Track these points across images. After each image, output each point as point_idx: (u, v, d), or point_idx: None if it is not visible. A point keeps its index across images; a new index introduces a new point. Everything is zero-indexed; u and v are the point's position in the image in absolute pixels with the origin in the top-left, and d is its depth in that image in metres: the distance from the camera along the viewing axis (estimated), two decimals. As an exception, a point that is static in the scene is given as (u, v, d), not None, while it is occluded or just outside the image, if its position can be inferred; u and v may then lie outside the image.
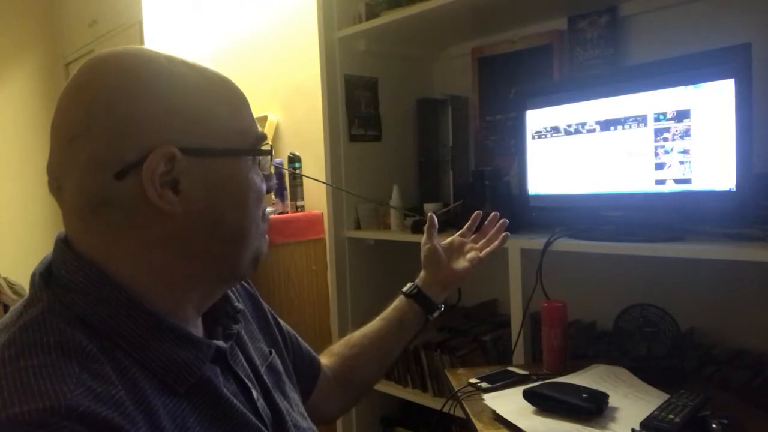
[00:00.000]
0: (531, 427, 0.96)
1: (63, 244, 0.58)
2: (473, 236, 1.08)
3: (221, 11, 2.61)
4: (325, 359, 0.95)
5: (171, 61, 0.59)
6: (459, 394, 1.14)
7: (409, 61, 1.97)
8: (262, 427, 0.63)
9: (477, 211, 1.09)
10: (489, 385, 1.14)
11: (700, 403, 0.96)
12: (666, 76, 1.18)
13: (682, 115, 1.16)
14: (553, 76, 1.65)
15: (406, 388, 1.76)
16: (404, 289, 1.02)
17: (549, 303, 1.26)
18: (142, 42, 2.63)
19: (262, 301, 0.84)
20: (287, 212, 2.15)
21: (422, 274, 1.04)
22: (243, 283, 0.82)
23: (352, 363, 0.95)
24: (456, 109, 1.83)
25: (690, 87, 1.14)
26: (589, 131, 1.32)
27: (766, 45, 1.20)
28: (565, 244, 1.30)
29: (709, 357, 1.30)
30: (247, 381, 0.66)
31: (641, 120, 1.22)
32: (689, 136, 1.15)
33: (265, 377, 0.70)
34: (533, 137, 1.44)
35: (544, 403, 1.02)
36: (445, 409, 1.20)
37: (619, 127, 1.26)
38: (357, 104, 1.86)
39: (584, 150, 1.33)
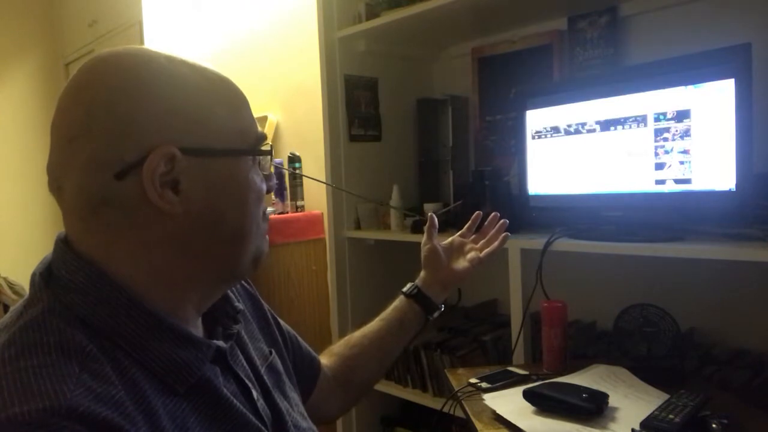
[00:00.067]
0: (531, 427, 0.96)
1: (63, 244, 0.58)
2: (473, 236, 1.08)
3: (221, 11, 2.61)
4: (325, 359, 0.95)
5: (171, 61, 0.59)
6: (459, 394, 1.14)
7: (409, 61, 1.97)
8: (262, 427, 0.63)
9: (477, 212, 1.09)
10: (489, 385, 1.14)
11: (700, 403, 0.96)
12: (666, 76, 1.18)
13: (682, 115, 1.16)
14: (553, 76, 1.65)
15: (406, 388, 1.76)
16: (404, 289, 1.02)
17: (549, 303, 1.26)
18: (142, 42, 2.63)
19: (262, 301, 0.84)
20: (287, 212, 2.15)
21: (422, 274, 1.04)
22: (243, 283, 0.82)
23: (352, 363, 0.95)
24: (456, 109, 1.83)
25: (690, 87, 1.14)
26: (589, 131, 1.32)
27: (766, 45, 1.20)
28: (565, 244, 1.30)
29: (709, 357, 1.30)
30: (247, 381, 0.66)
31: (641, 120, 1.22)
32: (689, 136, 1.15)
33: (265, 377, 0.70)
34: (533, 137, 1.44)
35: (544, 403, 1.02)
36: (445, 409, 1.20)
37: (619, 127, 1.26)
38: (357, 104, 1.86)
39: (584, 150, 1.33)
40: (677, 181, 1.17)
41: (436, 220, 1.06)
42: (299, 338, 0.90)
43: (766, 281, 1.23)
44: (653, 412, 0.94)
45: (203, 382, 0.59)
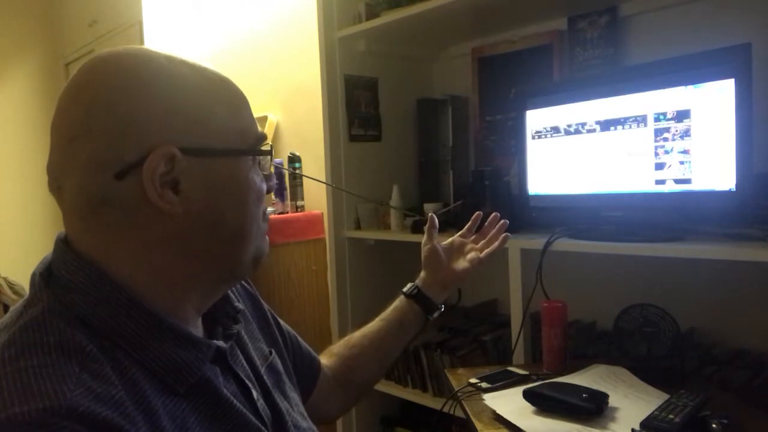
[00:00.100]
0: (531, 427, 0.96)
1: (63, 244, 0.58)
2: (473, 237, 1.08)
3: (221, 11, 2.61)
4: (325, 359, 0.95)
5: (171, 61, 0.59)
6: (459, 394, 1.14)
7: (409, 61, 1.97)
8: (262, 427, 0.63)
9: (477, 212, 1.09)
10: (489, 385, 1.14)
11: (700, 403, 0.96)
12: (666, 76, 1.18)
13: (682, 115, 1.16)
14: (553, 76, 1.65)
15: (406, 388, 1.76)
16: (404, 289, 1.02)
17: (549, 303, 1.26)
18: (142, 42, 2.63)
19: (262, 301, 0.84)
20: (287, 212, 2.15)
21: (422, 274, 1.04)
22: (243, 283, 0.82)
23: (352, 363, 0.95)
24: (456, 109, 1.83)
25: (690, 87, 1.14)
26: (589, 131, 1.32)
27: (766, 45, 1.20)
28: (565, 244, 1.30)
29: (709, 357, 1.30)
30: (247, 381, 0.66)
31: (641, 120, 1.22)
32: (689, 136, 1.15)
33: (265, 377, 0.70)
34: (533, 137, 1.44)
35: (544, 403, 1.02)
36: (445, 409, 1.20)
37: (619, 127, 1.26)
38: (357, 104, 1.86)
39: (584, 150, 1.33)
40: (677, 181, 1.17)
41: (436, 220, 1.06)
42: (299, 338, 0.90)
43: (766, 281, 1.23)
44: (653, 412, 0.94)
45: (203, 382, 0.59)
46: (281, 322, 0.87)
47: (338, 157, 1.82)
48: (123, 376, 0.52)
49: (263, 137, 0.64)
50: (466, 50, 1.88)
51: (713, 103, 1.11)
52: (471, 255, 1.03)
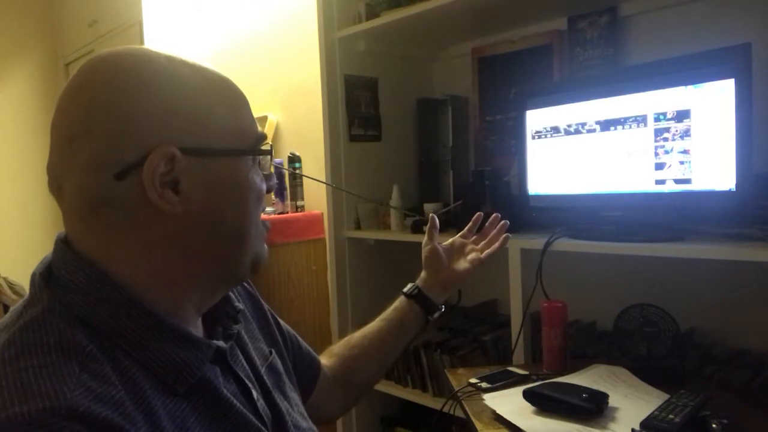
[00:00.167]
0: (531, 427, 0.96)
1: (63, 244, 0.58)
2: (474, 237, 1.08)
3: (221, 11, 2.61)
4: (325, 360, 0.95)
5: (171, 61, 0.59)
6: (459, 394, 1.14)
7: (409, 61, 1.97)
8: (262, 428, 0.63)
9: (478, 213, 1.10)
10: (489, 385, 1.14)
11: (700, 403, 0.96)
12: (666, 76, 1.18)
13: (682, 115, 1.16)
14: (553, 76, 1.65)
15: (406, 388, 1.76)
16: (405, 289, 1.02)
17: (549, 303, 1.26)
18: (142, 42, 2.63)
19: (262, 301, 0.84)
20: (287, 212, 2.15)
21: (423, 274, 1.04)
22: (243, 283, 0.82)
23: (352, 364, 0.95)
24: (456, 109, 1.83)
25: (690, 87, 1.14)
26: (589, 131, 1.32)
27: (766, 45, 1.20)
28: (565, 244, 1.30)
29: (709, 357, 1.30)
30: (247, 381, 0.66)
31: (641, 120, 1.22)
32: (689, 136, 1.15)
33: (265, 377, 0.70)
34: (533, 137, 1.44)
35: (544, 403, 1.02)
36: (445, 409, 1.20)
37: (619, 127, 1.26)
38: (357, 104, 1.86)
39: (584, 150, 1.33)
40: (677, 181, 1.17)
41: (437, 221, 1.06)
42: (299, 338, 0.90)
43: (766, 281, 1.23)
44: (653, 412, 0.94)
45: (203, 382, 0.59)
46: (281, 322, 0.87)
47: (338, 157, 1.82)
48: (123, 376, 0.52)
49: (263, 137, 0.64)
50: (466, 50, 1.88)
51: (713, 103, 1.11)
52: (472, 255, 1.03)
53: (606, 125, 1.28)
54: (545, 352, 1.25)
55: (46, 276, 0.57)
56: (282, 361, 0.79)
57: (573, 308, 1.30)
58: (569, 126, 1.35)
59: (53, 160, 0.57)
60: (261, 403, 0.66)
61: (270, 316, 0.84)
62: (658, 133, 1.20)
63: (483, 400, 1.09)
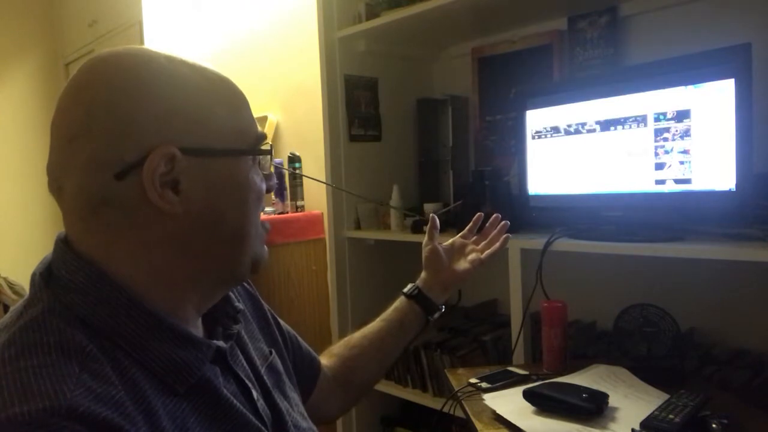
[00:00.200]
0: (531, 427, 0.96)
1: (63, 244, 0.58)
2: (474, 237, 1.08)
3: (221, 11, 2.61)
4: (325, 360, 0.95)
5: (171, 61, 0.59)
6: (459, 394, 1.14)
7: (409, 61, 1.97)
8: (262, 428, 0.63)
9: (479, 213, 1.09)
10: (489, 385, 1.14)
11: (700, 403, 0.96)
12: (666, 76, 1.18)
13: (682, 115, 1.16)
14: (553, 76, 1.65)
15: (406, 388, 1.76)
16: (405, 290, 1.02)
17: (549, 303, 1.26)
18: (142, 42, 2.63)
19: (262, 301, 0.84)
20: (287, 212, 2.15)
21: (423, 275, 1.04)
22: (243, 283, 0.82)
23: (352, 364, 0.95)
24: (456, 109, 1.83)
25: (690, 87, 1.14)
26: (589, 131, 1.32)
27: (766, 45, 1.20)
28: (565, 244, 1.30)
29: (709, 357, 1.30)
30: (247, 381, 0.66)
31: (641, 120, 1.22)
32: (689, 136, 1.15)
33: (265, 377, 0.70)
34: (533, 137, 1.44)
35: (544, 403, 1.02)
36: (445, 409, 1.20)
37: (619, 127, 1.26)
38: (357, 104, 1.86)
39: (584, 150, 1.33)
40: (677, 181, 1.17)
41: (437, 221, 1.06)
42: (299, 338, 0.90)
43: (766, 281, 1.23)
44: (653, 412, 0.94)
45: (203, 383, 0.59)
46: (281, 322, 0.87)
47: (338, 157, 1.82)
48: (123, 376, 0.52)
49: (263, 137, 0.64)
50: (466, 50, 1.88)
51: (713, 103, 1.11)
52: (472, 256, 1.03)
53: (606, 125, 1.28)
54: (545, 352, 1.25)
55: (46, 276, 0.57)
56: (282, 361, 0.79)
57: (573, 308, 1.30)
58: (569, 126, 1.35)
59: (53, 160, 0.57)
60: (261, 403, 0.66)
61: (270, 316, 0.84)
62: (658, 133, 1.20)
63: (483, 400, 1.09)
